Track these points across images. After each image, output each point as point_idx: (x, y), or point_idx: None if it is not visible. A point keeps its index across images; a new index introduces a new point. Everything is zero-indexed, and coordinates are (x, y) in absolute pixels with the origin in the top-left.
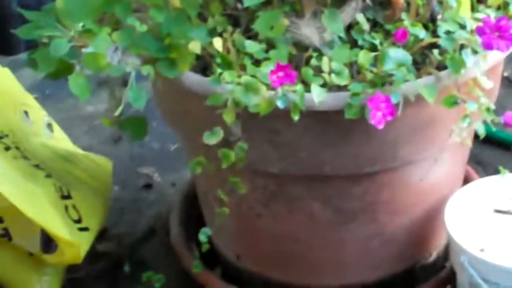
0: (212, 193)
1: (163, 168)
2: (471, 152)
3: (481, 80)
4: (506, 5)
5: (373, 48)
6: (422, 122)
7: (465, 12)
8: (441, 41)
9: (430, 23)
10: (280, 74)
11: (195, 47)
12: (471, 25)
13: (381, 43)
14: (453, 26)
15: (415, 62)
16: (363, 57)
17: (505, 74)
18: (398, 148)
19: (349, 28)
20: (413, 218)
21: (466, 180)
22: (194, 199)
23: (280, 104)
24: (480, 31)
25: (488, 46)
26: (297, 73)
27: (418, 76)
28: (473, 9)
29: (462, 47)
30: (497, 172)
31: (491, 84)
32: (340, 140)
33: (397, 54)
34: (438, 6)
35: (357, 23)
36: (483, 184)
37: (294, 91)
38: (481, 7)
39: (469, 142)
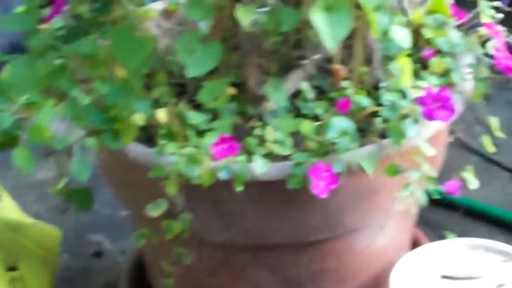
0: (157, 264)
1: (113, 235)
2: (421, 214)
3: (423, 148)
4: (448, 72)
5: (317, 116)
6: (367, 190)
7: (407, 81)
8: (383, 111)
9: (374, 91)
10: (223, 146)
11: (138, 119)
12: (413, 94)
13: (326, 111)
14: (395, 95)
15: (360, 130)
16: (307, 127)
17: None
18: (343, 216)
19: (296, 96)
20: (361, 285)
21: (415, 244)
22: (143, 268)
23: (222, 175)
24: (421, 101)
25: (429, 117)
26: (241, 143)
27: (363, 144)
28: (417, 76)
29: (405, 115)
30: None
31: (434, 152)
32: (285, 209)
33: (340, 123)
34: (382, 74)
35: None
36: (430, 249)
37: (237, 162)
38: (425, 73)
39: (414, 209)
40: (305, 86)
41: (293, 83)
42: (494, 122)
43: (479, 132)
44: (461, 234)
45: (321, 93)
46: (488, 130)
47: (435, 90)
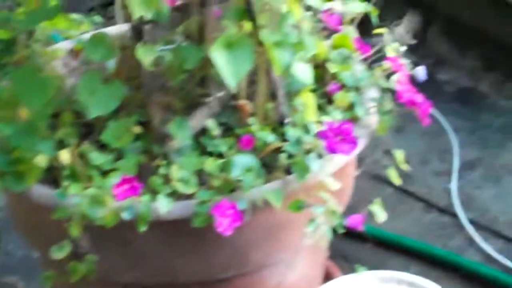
0: None
1: (27, 277)
2: (337, 247)
3: (328, 183)
4: (352, 106)
5: (223, 154)
6: (274, 226)
7: (310, 116)
8: (286, 146)
9: (280, 126)
10: (125, 186)
11: (41, 160)
12: (316, 129)
13: (230, 148)
14: (298, 131)
15: (266, 166)
16: (210, 164)
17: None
18: (250, 253)
19: (203, 133)
20: None
21: (328, 278)
22: None
23: (126, 216)
24: (323, 135)
25: (331, 150)
26: (146, 182)
27: (269, 180)
28: (323, 110)
29: (308, 150)
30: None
31: (339, 186)
32: (191, 248)
33: (244, 160)
34: (286, 109)
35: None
36: (341, 283)
37: (140, 202)
38: (330, 108)
39: (323, 244)
40: (210, 123)
41: (199, 120)
42: (399, 155)
43: (391, 166)
44: (376, 265)
45: (228, 129)
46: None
47: (336, 124)
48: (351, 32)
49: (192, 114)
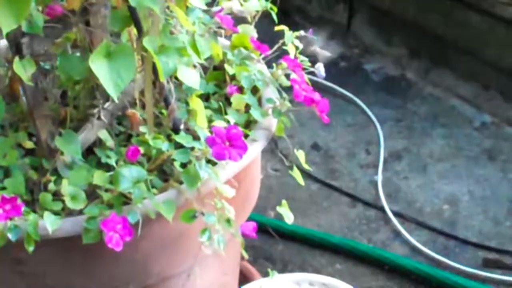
0: None
1: None
2: (259, 247)
3: (222, 190)
4: (248, 107)
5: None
6: (171, 237)
7: (200, 122)
8: (175, 155)
9: (174, 134)
10: (7, 207)
11: None
12: (206, 135)
13: (119, 160)
14: (187, 138)
15: (165, 174)
16: (98, 178)
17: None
18: (150, 265)
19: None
20: None
21: (247, 281)
22: None
23: (12, 236)
24: (211, 142)
25: (219, 157)
26: (36, 198)
27: (164, 190)
28: (225, 112)
29: (198, 157)
30: (287, 267)
31: (233, 193)
32: (88, 264)
33: (132, 172)
34: (179, 116)
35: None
36: (255, 287)
37: (27, 221)
38: (230, 110)
39: (223, 253)
40: (103, 134)
41: (90, 133)
42: (301, 155)
43: (319, 160)
44: (302, 265)
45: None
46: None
47: (223, 130)
48: (249, 31)
49: (83, 127)
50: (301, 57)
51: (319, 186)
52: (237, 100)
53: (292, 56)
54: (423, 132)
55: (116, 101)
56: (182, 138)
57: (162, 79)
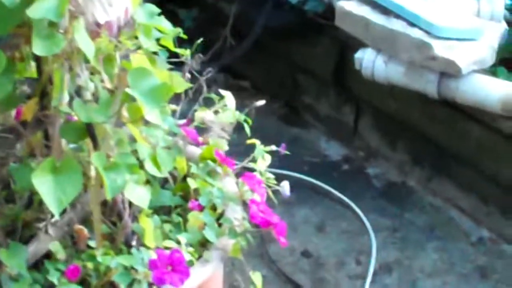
0: None
1: None
2: None
3: None
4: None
5: None
6: None
7: (148, 242)
8: (115, 277)
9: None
10: None
11: None
12: (149, 256)
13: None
14: (129, 259)
15: None
16: None
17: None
18: None
19: None
20: None
21: None
22: None
23: None
24: (152, 265)
25: (159, 281)
26: None
27: None
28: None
29: (138, 280)
30: None
31: None
32: None
33: None
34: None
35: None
36: None
37: None
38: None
39: None
40: (54, 246)
41: (39, 246)
42: (256, 278)
43: (308, 268)
44: None
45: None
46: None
47: (166, 253)
48: (219, 144)
49: (34, 238)
50: (267, 174)
51: None
52: (194, 218)
53: (259, 172)
54: (418, 244)
55: (58, 217)
56: (124, 258)
57: (109, 197)
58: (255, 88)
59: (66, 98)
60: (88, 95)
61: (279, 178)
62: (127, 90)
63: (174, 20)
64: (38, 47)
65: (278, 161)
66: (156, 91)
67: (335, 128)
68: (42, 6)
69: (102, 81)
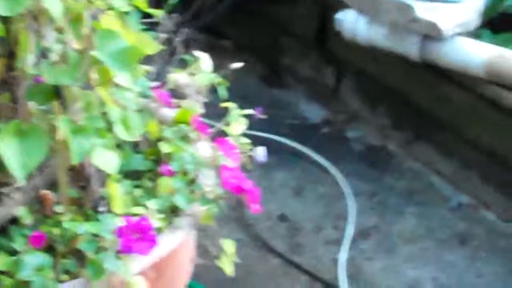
0: None
1: None
2: None
3: (132, 283)
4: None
5: None
6: None
7: (116, 208)
8: (80, 245)
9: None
10: None
11: None
12: (115, 224)
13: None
14: (97, 227)
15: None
16: (1, 262)
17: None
18: None
19: None
20: None
21: None
22: None
23: None
24: (119, 233)
25: (127, 249)
26: None
27: (77, 277)
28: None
29: (104, 248)
30: None
31: (145, 285)
32: None
33: (35, 259)
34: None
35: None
36: None
37: None
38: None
39: None
40: (21, 211)
41: (4, 211)
42: (228, 246)
43: (284, 232)
44: None
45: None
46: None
47: (134, 220)
48: (193, 107)
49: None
50: (242, 139)
51: (280, 262)
52: (164, 183)
53: (232, 137)
54: (397, 210)
55: (22, 182)
56: (91, 225)
57: (75, 161)
58: (237, 48)
59: (31, 59)
60: (54, 57)
61: (257, 141)
62: (93, 52)
63: None
64: (1, 7)
65: (257, 123)
66: (124, 53)
67: (316, 90)
68: None
69: (68, 42)
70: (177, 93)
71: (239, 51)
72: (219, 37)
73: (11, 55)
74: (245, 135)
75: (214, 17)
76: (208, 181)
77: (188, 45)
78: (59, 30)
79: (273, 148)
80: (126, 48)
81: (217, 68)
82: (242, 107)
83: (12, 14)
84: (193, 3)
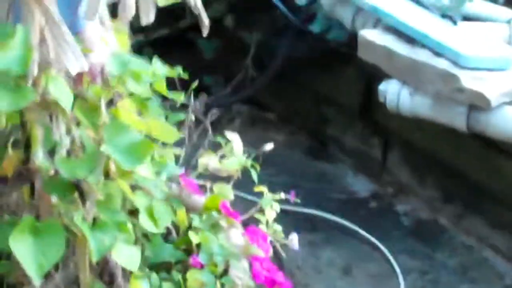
0: None
1: None
2: None
3: None
4: None
5: None
6: None
7: None
8: None
9: None
10: None
11: None
12: None
13: None
14: None
15: None
16: None
17: None
18: None
19: None
20: None
21: None
22: None
23: None
24: None
25: None
26: None
27: None
28: None
29: None
30: None
31: None
32: None
33: None
34: None
35: None
36: None
37: None
38: None
39: None
40: None
41: None
42: None
43: None
44: None
45: None
46: None
47: None
48: (226, 192)
49: None
50: (275, 226)
51: None
52: (193, 277)
53: (264, 224)
54: None
55: (38, 282)
56: None
57: (95, 259)
58: (280, 120)
59: (40, 152)
60: (63, 152)
61: (302, 218)
62: (103, 147)
63: (193, 50)
64: (3, 102)
65: (302, 199)
66: (134, 148)
67: (363, 162)
68: (4, 56)
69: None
70: (207, 176)
71: (283, 123)
72: (262, 109)
73: (27, 147)
74: (288, 212)
75: (257, 89)
76: (239, 274)
77: (233, 117)
78: (75, 121)
79: (319, 225)
80: (137, 142)
81: (261, 140)
82: (287, 182)
83: (15, 109)
84: (235, 75)
